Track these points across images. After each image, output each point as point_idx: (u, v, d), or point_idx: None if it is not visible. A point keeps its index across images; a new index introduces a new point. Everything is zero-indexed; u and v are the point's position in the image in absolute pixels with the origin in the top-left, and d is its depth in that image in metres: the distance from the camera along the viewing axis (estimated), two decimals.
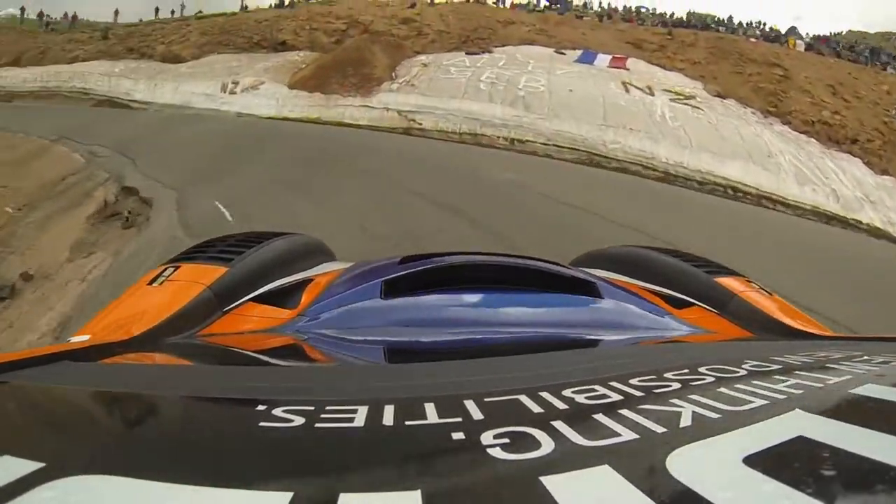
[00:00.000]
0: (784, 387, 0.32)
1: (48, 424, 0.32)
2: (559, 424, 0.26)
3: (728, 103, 11.96)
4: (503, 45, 14.02)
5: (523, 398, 0.31)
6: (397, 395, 0.34)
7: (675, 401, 0.30)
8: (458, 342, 0.68)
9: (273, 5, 18.15)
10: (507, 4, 18.01)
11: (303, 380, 0.46)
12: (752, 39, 16.17)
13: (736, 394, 0.31)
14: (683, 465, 0.22)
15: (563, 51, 14.04)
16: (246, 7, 18.41)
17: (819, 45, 16.81)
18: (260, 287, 0.83)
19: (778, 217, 8.39)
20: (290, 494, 0.19)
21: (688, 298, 0.89)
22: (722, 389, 0.32)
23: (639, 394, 0.32)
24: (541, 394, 0.32)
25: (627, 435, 0.25)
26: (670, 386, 0.34)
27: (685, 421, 0.27)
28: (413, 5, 15.65)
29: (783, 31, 18.22)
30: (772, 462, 0.22)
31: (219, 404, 0.35)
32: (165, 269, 0.82)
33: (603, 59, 13.57)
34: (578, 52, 13.93)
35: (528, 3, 18.61)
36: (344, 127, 10.79)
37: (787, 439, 0.24)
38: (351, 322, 0.71)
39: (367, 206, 5.05)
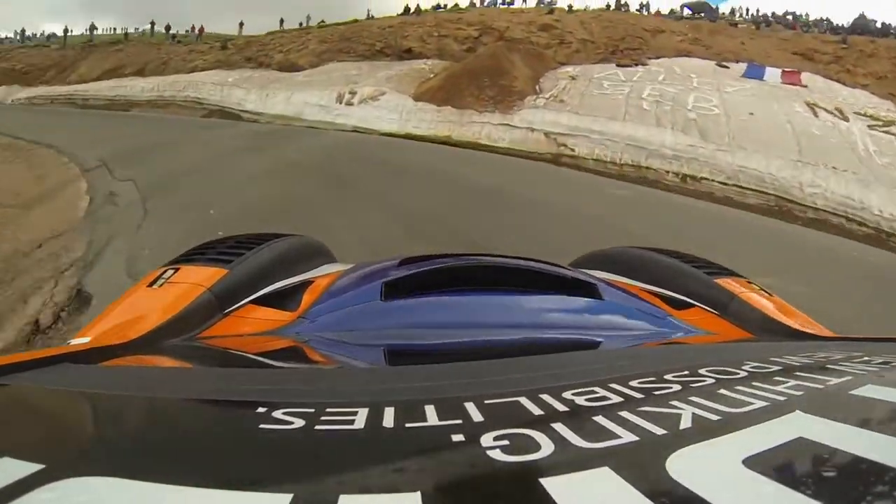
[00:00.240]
0: (784, 388, 0.32)
1: (48, 426, 0.32)
2: (559, 426, 0.26)
3: None
4: (657, 57, 12.23)
5: (523, 400, 0.31)
6: (397, 397, 0.34)
7: (675, 402, 0.29)
8: (458, 344, 0.68)
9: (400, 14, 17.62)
10: (653, 11, 16.30)
11: (303, 382, 0.45)
12: None
13: (736, 395, 0.30)
14: (683, 466, 0.21)
15: (726, 63, 12.22)
16: (372, 17, 18.00)
17: None
18: (260, 289, 0.82)
19: None
20: (289, 496, 0.19)
21: (688, 300, 0.89)
22: (722, 391, 0.31)
23: (639, 395, 0.31)
24: (541, 395, 0.32)
25: (627, 437, 0.25)
26: (670, 387, 0.33)
27: (685, 422, 0.26)
28: (551, 11, 14.46)
29: None
30: (772, 463, 0.22)
31: (219, 406, 0.35)
32: (165, 271, 0.82)
33: (773, 74, 11.40)
34: (743, 66, 12.08)
35: (672, 11, 16.80)
36: (478, 150, 9.12)
37: (787, 440, 0.24)
38: (351, 324, 0.70)
39: None
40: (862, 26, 15.36)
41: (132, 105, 16.51)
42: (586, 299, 0.78)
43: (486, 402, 0.31)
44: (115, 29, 25.83)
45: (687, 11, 17.17)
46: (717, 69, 11.77)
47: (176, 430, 0.31)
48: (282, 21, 19.67)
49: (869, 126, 9.29)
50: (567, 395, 0.32)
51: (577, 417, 0.28)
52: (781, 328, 0.76)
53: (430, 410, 0.29)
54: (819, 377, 0.35)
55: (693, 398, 0.30)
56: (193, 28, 21.99)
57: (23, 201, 4.87)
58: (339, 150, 8.05)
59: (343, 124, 11.39)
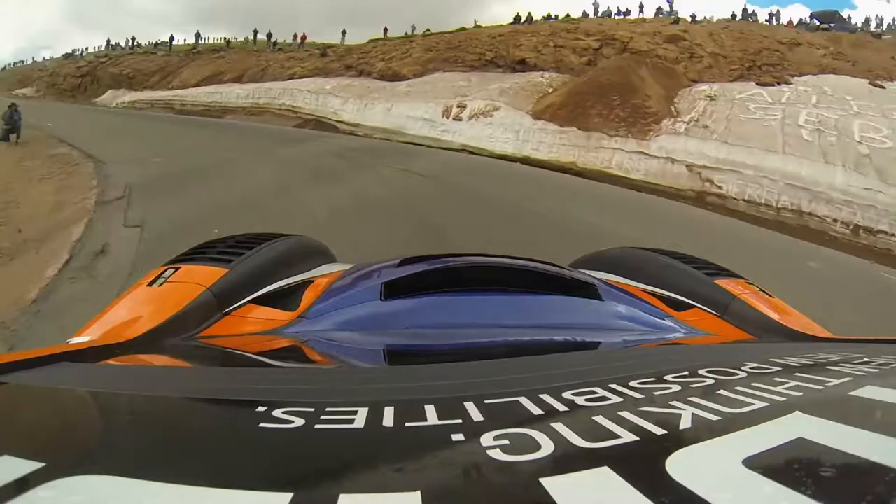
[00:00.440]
0: (784, 389, 0.32)
1: (47, 425, 0.32)
2: (559, 426, 0.26)
3: None
4: (800, 74, 11.12)
5: (523, 400, 0.31)
6: (397, 396, 0.34)
7: (675, 403, 0.30)
8: (458, 344, 0.68)
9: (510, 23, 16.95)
10: (783, 21, 15.06)
11: (303, 381, 0.44)
12: None
13: (735, 396, 0.31)
14: (683, 466, 0.21)
15: (881, 83, 11.08)
16: (479, 26, 17.34)
17: None
18: (260, 288, 0.82)
19: None
20: (289, 495, 0.19)
21: (688, 300, 0.89)
22: (721, 391, 0.32)
23: (638, 395, 0.32)
24: (541, 395, 0.32)
25: (627, 437, 0.25)
26: (670, 388, 0.33)
27: (685, 423, 0.27)
28: (676, 21, 13.66)
29: None
30: (771, 464, 0.22)
31: (218, 405, 0.35)
32: (165, 271, 0.82)
33: None
34: None
35: (802, 21, 15.44)
36: (606, 181, 8.08)
37: (786, 441, 0.24)
38: (351, 324, 0.70)
39: None
40: None
41: (226, 112, 16.73)
42: (586, 300, 0.79)
43: (486, 401, 0.31)
44: (222, 38, 27.08)
45: (815, 21, 15.77)
46: (873, 89, 10.65)
47: (175, 428, 0.31)
48: (385, 30, 19.65)
49: None
50: (567, 394, 0.32)
51: (577, 417, 0.28)
52: (781, 329, 0.76)
53: (429, 410, 0.29)
54: (818, 378, 0.34)
55: (693, 398, 0.30)
56: (296, 37, 22.57)
57: (14, 245, 3.90)
58: (449, 188, 6.48)
59: (450, 142, 10.64)
